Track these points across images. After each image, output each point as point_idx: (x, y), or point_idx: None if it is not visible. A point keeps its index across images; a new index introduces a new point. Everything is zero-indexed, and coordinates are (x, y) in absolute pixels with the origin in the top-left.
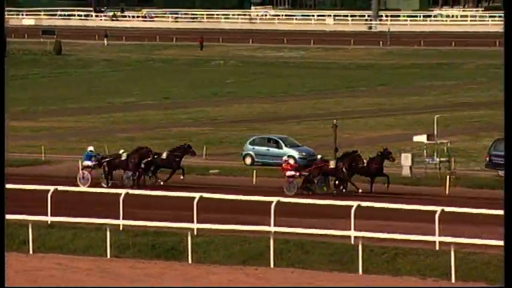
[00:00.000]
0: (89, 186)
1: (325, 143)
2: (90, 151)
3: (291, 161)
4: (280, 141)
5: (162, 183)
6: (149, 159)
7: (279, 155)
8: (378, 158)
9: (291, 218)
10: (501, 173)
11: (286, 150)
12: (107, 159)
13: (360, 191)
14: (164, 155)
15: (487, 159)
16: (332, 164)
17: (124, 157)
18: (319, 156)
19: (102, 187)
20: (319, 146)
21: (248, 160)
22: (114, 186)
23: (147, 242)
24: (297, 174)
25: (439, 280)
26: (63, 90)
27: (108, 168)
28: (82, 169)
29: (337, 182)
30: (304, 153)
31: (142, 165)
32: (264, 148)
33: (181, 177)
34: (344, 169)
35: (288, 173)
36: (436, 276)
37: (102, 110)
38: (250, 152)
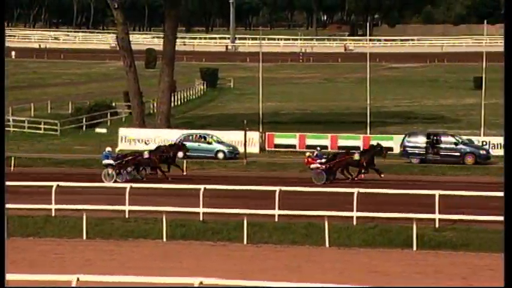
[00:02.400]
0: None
1: None
2: (108, 151)
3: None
4: (210, 138)
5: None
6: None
7: (209, 149)
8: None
9: None
10: (414, 160)
11: (215, 145)
12: (129, 158)
13: (383, 175)
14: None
15: (402, 149)
16: (356, 157)
17: (146, 155)
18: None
19: (117, 182)
20: None
21: (180, 154)
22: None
23: None
24: (323, 166)
25: None
26: None
27: (132, 165)
28: (106, 167)
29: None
30: (231, 148)
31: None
32: (195, 144)
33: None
34: (365, 162)
35: (313, 166)
36: None
37: None
38: None
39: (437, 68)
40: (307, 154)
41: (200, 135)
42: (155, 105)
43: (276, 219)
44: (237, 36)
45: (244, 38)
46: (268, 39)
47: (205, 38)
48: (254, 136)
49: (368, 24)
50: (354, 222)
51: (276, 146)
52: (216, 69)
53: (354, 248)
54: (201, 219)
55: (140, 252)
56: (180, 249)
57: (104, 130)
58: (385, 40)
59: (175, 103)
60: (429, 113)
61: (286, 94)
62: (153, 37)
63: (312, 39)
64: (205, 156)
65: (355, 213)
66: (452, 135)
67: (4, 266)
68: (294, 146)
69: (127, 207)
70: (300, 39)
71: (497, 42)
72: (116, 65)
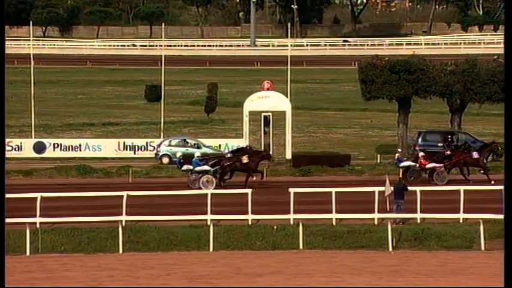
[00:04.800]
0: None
1: None
2: (198, 157)
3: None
4: (199, 143)
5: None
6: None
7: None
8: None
9: None
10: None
11: (204, 150)
12: (228, 163)
13: (493, 182)
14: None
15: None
16: (475, 155)
17: (245, 160)
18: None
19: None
20: None
21: (165, 160)
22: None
23: None
24: (441, 165)
25: None
26: None
27: (229, 170)
28: (204, 174)
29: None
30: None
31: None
32: (183, 149)
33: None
34: (485, 160)
35: (429, 166)
36: None
37: None
38: (167, 152)
39: None
40: (421, 154)
41: (184, 140)
42: None
43: None
44: None
45: None
46: None
47: None
48: None
49: None
50: None
51: None
52: None
53: None
54: None
55: None
56: None
57: None
58: None
59: None
60: None
61: None
62: None
63: None
64: None
65: None
66: None
67: (4, 266)
68: None
69: None
70: None
71: None
72: None
